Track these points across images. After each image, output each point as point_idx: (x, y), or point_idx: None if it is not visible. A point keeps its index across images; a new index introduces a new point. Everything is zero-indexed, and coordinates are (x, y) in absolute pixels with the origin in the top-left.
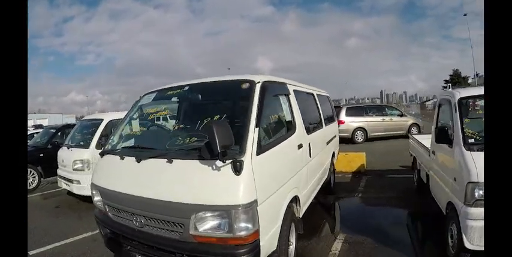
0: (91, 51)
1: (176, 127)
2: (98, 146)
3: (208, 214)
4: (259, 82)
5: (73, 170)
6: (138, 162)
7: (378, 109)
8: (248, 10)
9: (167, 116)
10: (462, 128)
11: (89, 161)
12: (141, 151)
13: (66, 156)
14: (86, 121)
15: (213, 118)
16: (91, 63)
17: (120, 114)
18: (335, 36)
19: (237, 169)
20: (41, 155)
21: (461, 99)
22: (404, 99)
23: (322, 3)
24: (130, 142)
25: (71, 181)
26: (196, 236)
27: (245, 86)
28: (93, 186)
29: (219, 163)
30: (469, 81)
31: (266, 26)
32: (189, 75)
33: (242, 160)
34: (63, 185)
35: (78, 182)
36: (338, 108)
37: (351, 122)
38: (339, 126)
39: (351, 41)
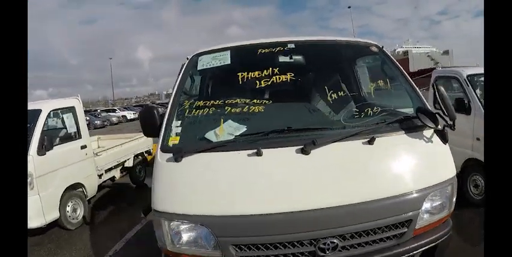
0: None
1: (333, 96)
2: (40, 151)
3: (438, 195)
4: (383, 46)
5: None
6: (307, 153)
7: None
8: None
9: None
10: (479, 98)
11: (31, 176)
12: (300, 135)
13: None
14: None
15: (378, 84)
16: None
17: (62, 103)
18: (216, 25)
19: (445, 138)
20: None
21: (468, 76)
22: None
23: None
24: (242, 128)
25: None
26: (417, 230)
27: (375, 49)
28: (181, 219)
29: (427, 132)
30: None
31: (146, 13)
32: (64, 68)
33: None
34: None
35: None
36: None
37: None
38: None
39: (232, 29)
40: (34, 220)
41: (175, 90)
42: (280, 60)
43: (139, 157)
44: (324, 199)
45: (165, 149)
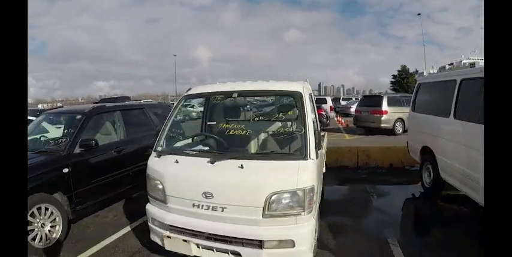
0: None
1: None
2: (314, 151)
3: None
4: None
5: (264, 216)
6: None
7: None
8: None
9: None
10: None
11: (313, 191)
12: None
13: (224, 181)
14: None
15: None
16: None
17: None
18: (275, 27)
19: None
20: (65, 170)
21: None
22: (342, 92)
23: None
24: None
25: (252, 243)
26: None
27: None
28: None
29: None
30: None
31: (207, 14)
32: (126, 63)
33: None
34: (191, 250)
35: (290, 243)
36: (378, 98)
37: (392, 112)
38: (381, 116)
39: (290, 33)
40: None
41: None
42: None
43: None
44: None
45: None
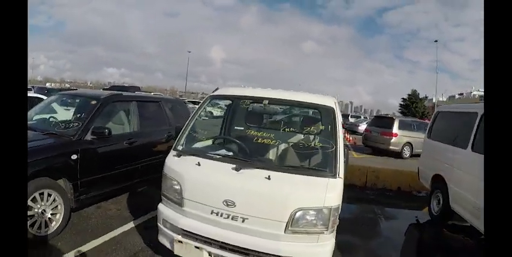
0: (42, 12)
1: None
2: None
3: None
4: None
5: (286, 232)
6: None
7: (421, 125)
8: None
9: None
10: None
11: (338, 211)
12: None
13: (249, 190)
14: None
15: None
16: (40, 23)
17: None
18: (292, 36)
19: None
20: (74, 156)
21: None
22: (350, 109)
23: (284, 2)
24: None
25: None
26: None
27: None
28: None
29: None
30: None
31: (226, 15)
32: (139, 53)
33: None
34: None
35: None
36: (389, 119)
37: (402, 136)
38: (390, 138)
39: (307, 44)
40: None
41: None
42: None
43: None
44: None
45: None
